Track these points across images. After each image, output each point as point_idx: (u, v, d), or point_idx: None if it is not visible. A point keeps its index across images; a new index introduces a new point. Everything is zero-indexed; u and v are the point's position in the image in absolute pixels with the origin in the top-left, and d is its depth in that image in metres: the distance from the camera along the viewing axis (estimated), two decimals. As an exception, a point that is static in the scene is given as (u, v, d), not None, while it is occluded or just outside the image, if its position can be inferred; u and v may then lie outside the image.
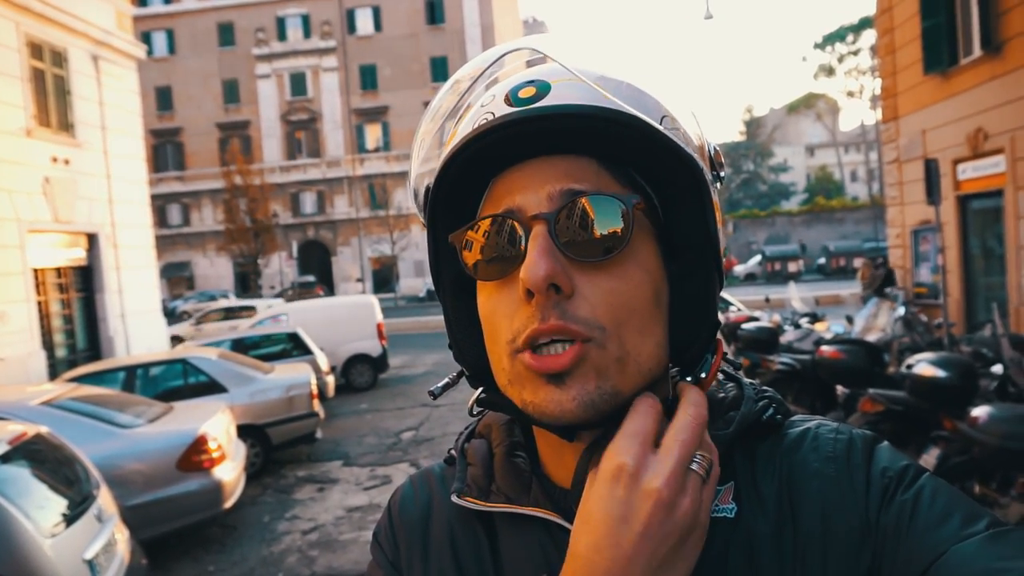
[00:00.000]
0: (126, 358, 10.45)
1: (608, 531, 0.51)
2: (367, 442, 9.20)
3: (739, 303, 12.56)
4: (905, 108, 11.98)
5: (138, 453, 5.59)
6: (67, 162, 11.85)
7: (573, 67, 0.58)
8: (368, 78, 42.15)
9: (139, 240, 14.01)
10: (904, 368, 5.20)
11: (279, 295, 32.84)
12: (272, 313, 14.11)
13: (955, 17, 10.24)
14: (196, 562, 5.70)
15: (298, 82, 42.63)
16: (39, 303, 11.16)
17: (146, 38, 38.64)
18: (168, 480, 5.55)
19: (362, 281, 40.95)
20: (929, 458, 4.52)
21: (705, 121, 0.66)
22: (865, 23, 43.53)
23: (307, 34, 42.75)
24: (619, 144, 0.58)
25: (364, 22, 42.21)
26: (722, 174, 0.66)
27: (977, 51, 9.75)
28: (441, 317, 0.70)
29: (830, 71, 49.13)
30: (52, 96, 11.73)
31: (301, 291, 33.85)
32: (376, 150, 42.29)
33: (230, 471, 5.98)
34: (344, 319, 13.54)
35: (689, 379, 0.62)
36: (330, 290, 39.16)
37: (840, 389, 6.08)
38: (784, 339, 8.24)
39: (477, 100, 0.64)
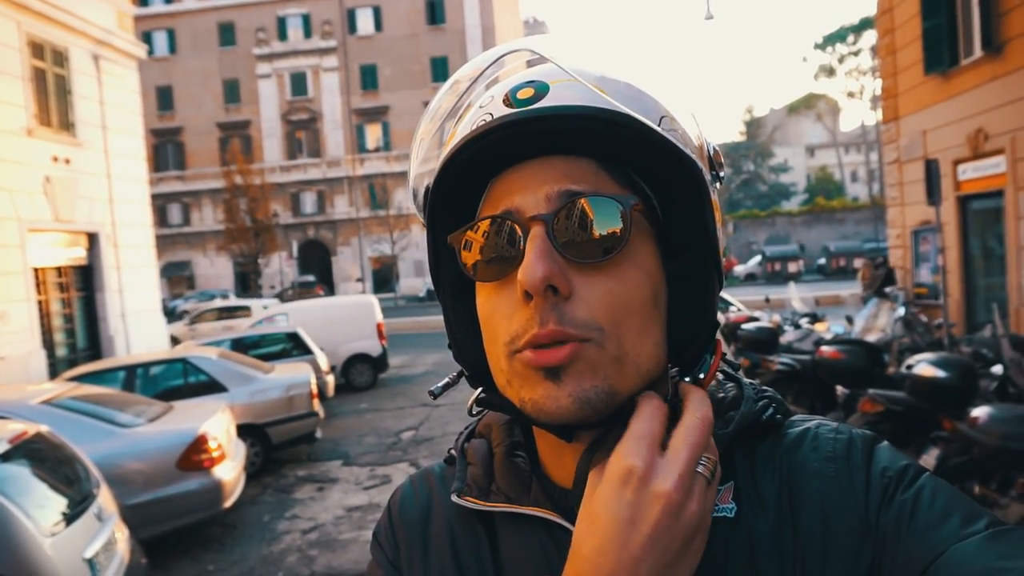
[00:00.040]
0: (126, 357, 10.45)
1: (615, 533, 0.51)
2: (367, 442, 9.21)
3: (739, 303, 12.55)
4: (906, 109, 11.97)
5: (138, 452, 5.59)
6: (68, 161, 11.85)
7: (571, 68, 0.57)
8: (368, 78, 42.16)
9: (139, 239, 14.02)
10: (904, 368, 5.20)
11: (278, 295, 32.81)
12: (268, 314, 14.15)
13: (956, 18, 10.24)
14: (196, 561, 5.71)
15: (298, 82, 42.63)
16: (39, 302, 11.17)
17: (147, 38, 38.68)
18: (168, 479, 5.55)
19: (362, 281, 40.96)
20: (929, 458, 4.52)
21: (705, 121, 0.66)
22: (866, 24, 43.52)
23: (308, 34, 42.76)
24: (618, 145, 0.58)
25: (365, 22, 42.21)
26: (722, 174, 0.66)
27: (978, 52, 9.74)
28: (441, 317, 0.71)
29: (831, 71, 49.14)
30: (53, 95, 11.74)
31: (301, 291, 33.85)
32: (376, 150, 42.30)
33: (230, 470, 5.98)
34: (344, 319, 13.54)
35: (688, 379, 0.62)
36: (330, 290, 39.16)
37: (840, 389, 6.08)
38: (784, 339, 8.24)
39: (477, 100, 0.64)
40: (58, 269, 11.89)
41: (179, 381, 8.15)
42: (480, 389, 0.68)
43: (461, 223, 0.62)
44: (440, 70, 40.76)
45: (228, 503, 5.88)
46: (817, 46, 50.17)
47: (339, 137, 42.29)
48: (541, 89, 0.59)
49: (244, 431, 7.42)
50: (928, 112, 11.20)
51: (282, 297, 30.70)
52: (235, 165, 35.75)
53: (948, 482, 0.60)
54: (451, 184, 0.62)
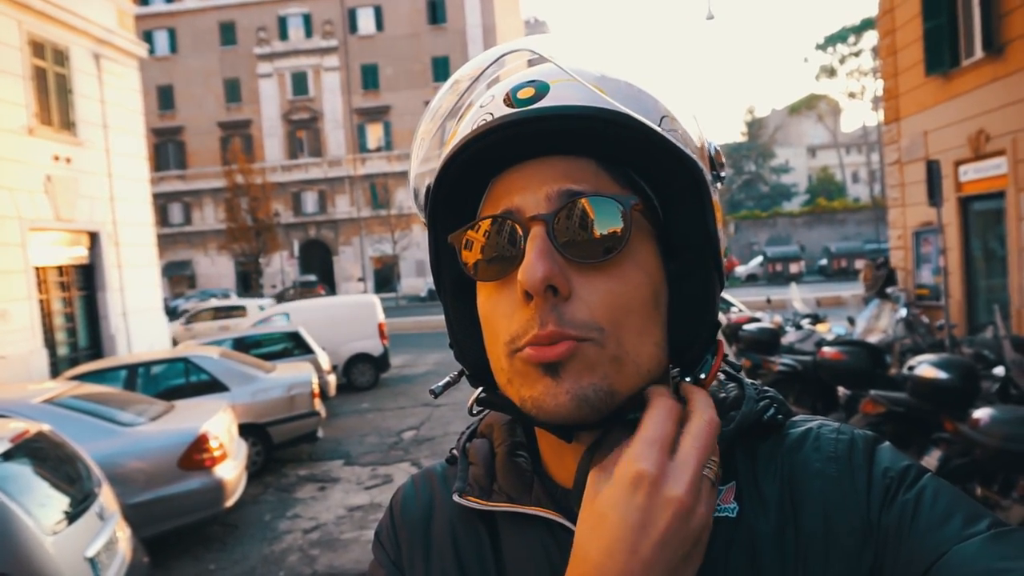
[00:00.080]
0: (128, 356, 10.46)
1: (625, 537, 0.51)
2: (368, 441, 9.21)
3: (741, 304, 12.55)
4: (907, 109, 11.97)
5: (140, 451, 5.59)
6: (69, 160, 11.86)
7: (571, 68, 0.57)
8: (370, 78, 42.18)
9: (141, 239, 14.02)
10: (905, 370, 5.20)
11: (277, 296, 32.78)
12: (265, 315, 14.18)
13: (957, 19, 10.23)
14: (197, 560, 5.71)
15: (300, 81, 42.66)
16: (41, 301, 11.17)
17: (148, 37, 38.72)
18: (169, 478, 5.56)
19: (363, 280, 40.98)
20: (930, 460, 4.51)
21: (706, 122, 0.66)
22: (867, 24, 43.48)
23: (309, 33, 42.78)
24: (618, 145, 0.58)
25: (366, 22, 42.23)
26: (722, 174, 0.66)
27: (979, 53, 9.73)
28: (442, 317, 0.71)
29: (832, 72, 49.10)
30: (54, 94, 11.74)
31: (302, 290, 33.84)
32: (377, 150, 42.32)
33: (231, 470, 5.98)
34: (345, 318, 13.56)
35: (689, 379, 0.62)
36: (331, 289, 39.18)
37: (841, 390, 6.07)
38: (785, 340, 8.23)
39: (478, 99, 0.64)
40: (59, 268, 11.90)
41: (180, 380, 8.16)
42: (480, 389, 0.68)
43: (462, 223, 0.62)
44: (441, 70, 40.77)
45: (229, 502, 5.89)
46: (818, 47, 50.20)
47: (340, 137, 42.31)
48: (541, 89, 0.59)
49: (246, 430, 7.42)
50: (929, 113, 11.19)
51: (281, 297, 30.67)
52: (236, 164, 35.75)
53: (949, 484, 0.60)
54: (452, 183, 0.62)
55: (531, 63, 0.65)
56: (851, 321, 8.59)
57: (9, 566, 3.26)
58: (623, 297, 0.57)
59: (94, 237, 12.62)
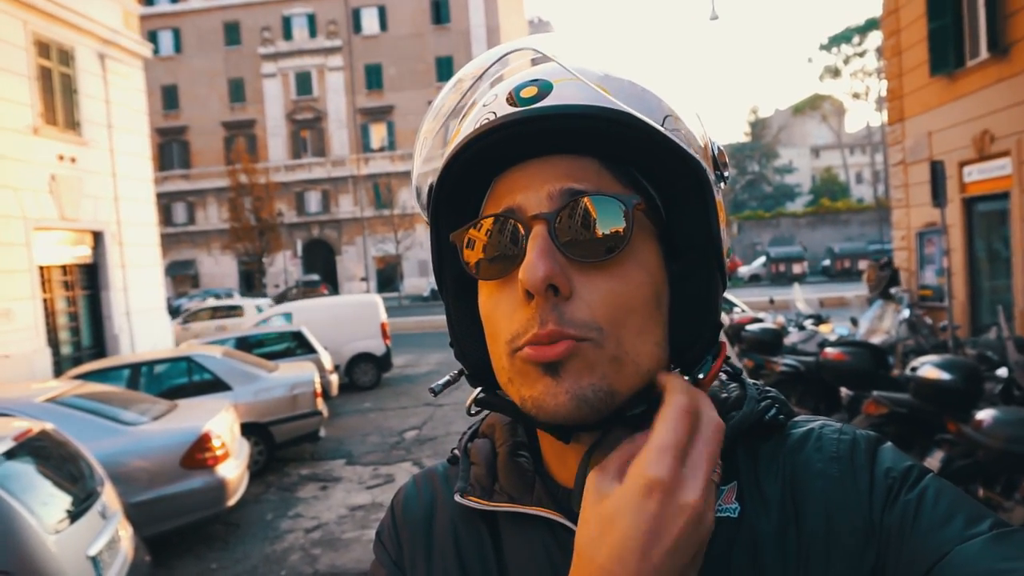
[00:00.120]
0: (131, 355, 10.48)
1: (637, 544, 0.50)
2: (370, 441, 9.22)
3: (743, 304, 12.53)
4: (911, 110, 11.94)
5: (142, 450, 5.60)
6: (73, 160, 11.89)
7: (574, 67, 0.57)
8: (373, 77, 42.21)
9: (144, 238, 14.05)
10: (908, 371, 5.19)
11: (277, 296, 32.78)
12: (264, 315, 14.19)
13: (962, 19, 10.21)
14: (199, 559, 5.72)
15: (304, 81, 42.71)
16: (45, 300, 11.20)
17: (152, 37, 38.83)
18: (172, 477, 5.57)
19: (366, 280, 41.01)
20: (933, 461, 4.51)
21: (710, 122, 0.66)
22: (871, 25, 43.42)
23: (313, 33, 42.83)
24: (621, 144, 0.58)
25: (370, 22, 42.28)
26: (726, 174, 0.66)
27: (984, 53, 9.71)
28: (444, 316, 0.71)
29: (836, 72, 49.05)
30: (59, 94, 11.77)
31: (305, 290, 33.87)
32: (381, 149, 42.36)
33: (234, 469, 5.99)
34: (348, 318, 13.56)
35: (688, 379, 0.61)
36: (334, 289, 39.22)
37: (844, 391, 6.06)
38: (788, 341, 8.23)
39: (481, 98, 0.64)
40: (63, 267, 11.92)
41: (183, 379, 8.17)
42: (479, 389, 0.67)
43: (464, 221, 0.62)
44: (445, 70, 40.78)
45: (231, 501, 5.90)
46: (822, 47, 50.03)
47: (344, 136, 42.35)
48: (544, 88, 0.59)
49: (248, 430, 7.44)
50: (934, 113, 11.17)
51: (281, 298, 30.66)
52: (240, 164, 35.82)
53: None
54: (454, 182, 0.62)
55: (534, 62, 0.65)
56: (854, 322, 8.58)
57: (11, 565, 3.27)
58: (624, 297, 0.57)
59: (98, 237, 12.65)
